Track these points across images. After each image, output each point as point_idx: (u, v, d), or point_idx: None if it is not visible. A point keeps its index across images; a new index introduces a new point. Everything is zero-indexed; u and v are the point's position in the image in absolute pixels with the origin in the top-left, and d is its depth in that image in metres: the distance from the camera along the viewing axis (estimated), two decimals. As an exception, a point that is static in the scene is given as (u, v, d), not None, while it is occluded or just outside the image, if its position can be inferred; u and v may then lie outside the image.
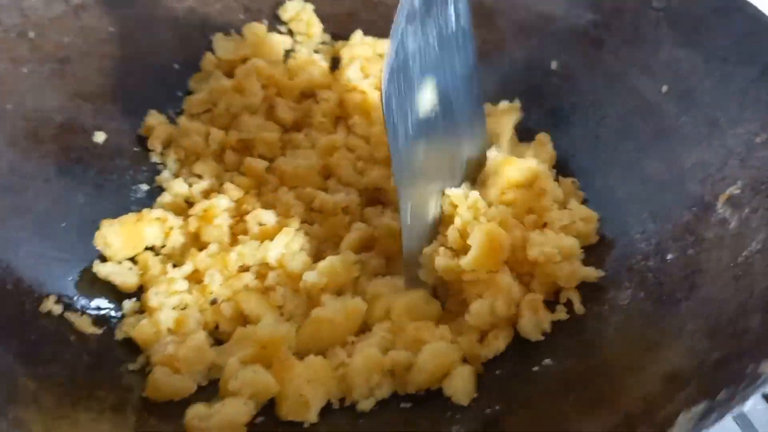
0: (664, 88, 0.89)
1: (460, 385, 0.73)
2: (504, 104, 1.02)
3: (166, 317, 0.81)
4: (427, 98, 0.80)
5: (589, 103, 0.97)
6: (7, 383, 0.68)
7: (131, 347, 0.81)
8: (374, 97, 1.03)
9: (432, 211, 0.86)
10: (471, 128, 0.89)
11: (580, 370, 0.71)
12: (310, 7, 1.10)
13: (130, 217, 0.89)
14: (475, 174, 0.91)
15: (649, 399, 0.61)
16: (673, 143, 0.85)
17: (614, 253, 0.83)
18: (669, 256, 0.76)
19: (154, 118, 1.00)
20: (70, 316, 0.80)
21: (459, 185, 0.89)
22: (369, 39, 1.10)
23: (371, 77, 1.07)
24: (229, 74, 1.05)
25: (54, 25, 0.94)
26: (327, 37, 1.12)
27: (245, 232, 0.89)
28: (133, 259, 0.89)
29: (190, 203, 0.94)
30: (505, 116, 1.01)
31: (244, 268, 0.87)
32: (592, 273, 0.81)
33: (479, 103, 0.91)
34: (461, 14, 0.82)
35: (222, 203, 0.90)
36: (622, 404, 0.63)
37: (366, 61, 1.07)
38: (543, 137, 0.98)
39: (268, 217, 0.89)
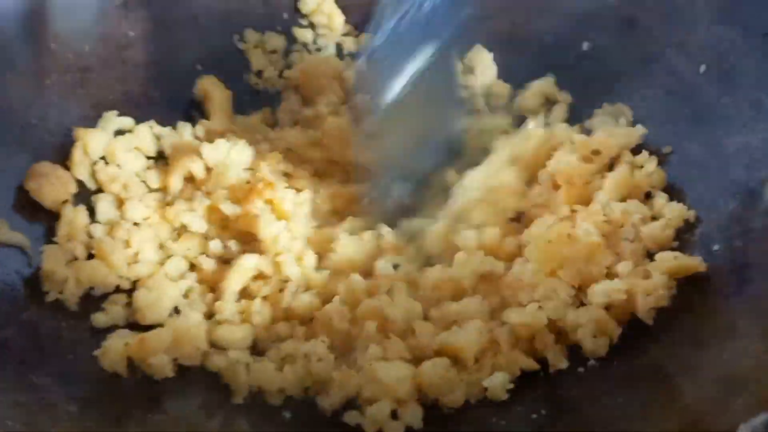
0: (702, 68, 0.85)
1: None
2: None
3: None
4: (399, 83, 0.85)
5: (623, 86, 0.93)
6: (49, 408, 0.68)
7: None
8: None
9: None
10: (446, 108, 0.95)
11: (628, 370, 0.69)
12: (330, -3, 1.07)
13: None
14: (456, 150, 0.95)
15: (704, 406, 0.59)
16: (714, 126, 0.82)
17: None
18: (715, 248, 0.74)
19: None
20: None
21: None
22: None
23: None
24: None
25: (74, 34, 0.93)
26: (350, 29, 1.09)
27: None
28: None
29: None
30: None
31: None
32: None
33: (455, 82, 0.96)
34: None
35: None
36: (675, 410, 0.60)
37: None
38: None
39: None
